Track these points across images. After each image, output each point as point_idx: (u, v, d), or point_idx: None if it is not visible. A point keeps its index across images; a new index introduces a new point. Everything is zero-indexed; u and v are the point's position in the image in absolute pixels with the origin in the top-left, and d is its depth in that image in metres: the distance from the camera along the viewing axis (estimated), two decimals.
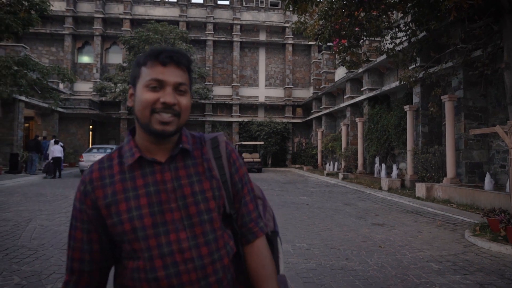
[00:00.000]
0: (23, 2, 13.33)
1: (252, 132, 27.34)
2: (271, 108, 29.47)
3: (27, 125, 22.19)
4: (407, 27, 9.64)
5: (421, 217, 7.64)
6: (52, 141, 17.08)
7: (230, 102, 28.54)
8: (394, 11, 10.60)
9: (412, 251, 4.99)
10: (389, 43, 10.50)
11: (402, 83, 10.29)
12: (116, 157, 1.06)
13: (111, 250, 1.05)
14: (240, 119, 28.05)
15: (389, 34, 10.39)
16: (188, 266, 0.97)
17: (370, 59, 13.59)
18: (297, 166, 26.47)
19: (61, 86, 23.61)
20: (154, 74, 0.99)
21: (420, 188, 10.32)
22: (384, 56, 13.37)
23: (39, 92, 16.84)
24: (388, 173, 14.17)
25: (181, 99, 1.01)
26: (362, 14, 9.51)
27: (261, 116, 29.05)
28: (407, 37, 9.74)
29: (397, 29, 9.95)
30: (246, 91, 29.44)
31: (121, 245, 1.01)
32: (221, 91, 29.06)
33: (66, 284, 1.03)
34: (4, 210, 7.70)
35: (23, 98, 17.39)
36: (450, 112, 10.21)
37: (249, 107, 29.21)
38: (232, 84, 28.97)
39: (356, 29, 10.01)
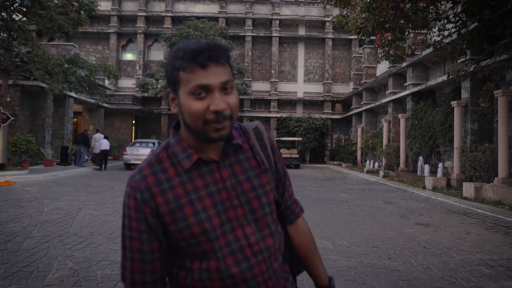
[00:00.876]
0: (74, 3, 14.03)
1: (290, 128, 27.19)
2: (309, 103, 29.14)
3: (75, 120, 23.41)
4: (457, 18, 9.15)
5: (469, 218, 7.27)
6: (97, 135, 18.14)
7: (268, 98, 28.54)
8: (443, 2, 10.08)
9: (460, 254, 4.75)
10: (436, 36, 10.01)
11: (450, 77, 9.80)
12: (166, 159, 1.00)
13: (170, 255, 1.03)
14: (278, 115, 27.99)
15: (437, 26, 9.90)
16: (258, 258, 0.99)
17: (415, 53, 13.06)
18: (335, 162, 26.05)
19: (106, 82, 24.67)
20: (197, 80, 0.91)
21: (468, 188, 9.81)
22: (429, 50, 12.78)
23: (87, 88, 17.70)
24: (433, 172, 13.59)
25: (229, 99, 0.94)
26: (408, 5, 9.14)
27: (299, 112, 28.81)
28: (457, 28, 9.24)
29: (445, 21, 9.47)
30: (285, 87, 29.30)
31: (186, 249, 0.98)
32: (259, 87, 29.12)
33: None
34: (57, 199, 8.19)
35: (72, 94, 18.35)
36: (503, 108, 9.60)
37: (287, 103, 29.06)
38: (271, 80, 28.93)
39: (401, 21, 9.64)
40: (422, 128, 15.00)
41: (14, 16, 13.58)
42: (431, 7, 9.26)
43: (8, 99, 13.89)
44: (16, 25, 13.19)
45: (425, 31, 13.31)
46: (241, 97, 27.13)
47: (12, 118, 13.17)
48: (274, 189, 1.08)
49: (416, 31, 10.55)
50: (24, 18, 13.69)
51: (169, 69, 0.96)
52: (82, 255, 4.29)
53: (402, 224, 6.56)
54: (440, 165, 12.55)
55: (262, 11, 29.36)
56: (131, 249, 0.98)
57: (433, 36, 10.43)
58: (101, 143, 17.27)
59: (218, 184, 0.99)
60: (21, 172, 12.63)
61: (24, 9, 13.23)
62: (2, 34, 13.28)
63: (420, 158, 14.66)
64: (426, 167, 13.05)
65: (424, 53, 14.34)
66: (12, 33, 13.25)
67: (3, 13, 13.08)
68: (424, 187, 12.00)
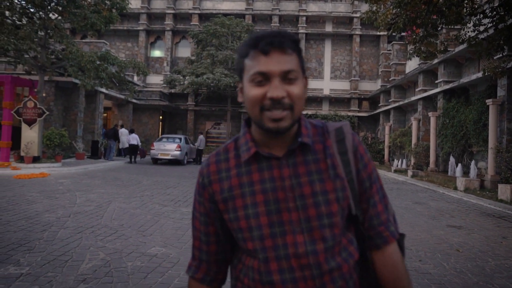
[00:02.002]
0: (106, 1, 14.40)
1: None
2: (336, 101, 28.77)
3: (105, 115, 24.08)
4: (494, 12, 8.75)
5: (505, 222, 6.98)
6: (122, 130, 18.82)
7: None
8: None
9: (495, 258, 4.57)
10: (471, 31, 9.63)
11: (485, 74, 9.41)
12: (232, 149, 1.01)
13: (229, 243, 1.04)
14: (304, 112, 27.71)
15: (472, 21, 9.51)
16: (305, 273, 0.91)
17: (448, 49, 12.61)
18: None
19: (135, 78, 25.22)
20: (257, 67, 0.89)
21: (504, 190, 9.41)
22: (463, 46, 12.32)
23: (117, 84, 18.16)
24: (465, 172, 13.13)
25: (291, 89, 0.89)
26: (441, 0, 8.82)
27: (325, 109, 28.51)
28: (494, 23, 8.84)
29: (481, 15, 9.08)
30: (311, 84, 29.03)
31: (238, 242, 0.99)
32: None
33: (189, 267, 1.07)
34: (89, 192, 8.46)
35: (103, 90, 18.87)
36: None
37: (313, 100, 28.80)
38: None
39: (434, 16, 9.32)
40: (454, 127, 14.51)
41: (50, 15, 14.09)
42: (466, 1, 8.90)
43: (44, 95, 14.44)
44: (52, 24, 13.68)
45: (458, 27, 12.83)
46: None
47: (47, 112, 13.68)
48: (342, 200, 0.94)
49: (450, 26, 10.18)
50: (60, 17, 14.17)
51: (237, 58, 0.98)
52: (113, 247, 4.41)
53: (432, 225, 6.38)
54: (472, 165, 12.11)
55: (289, 7, 29.17)
56: (193, 226, 1.05)
57: (468, 32, 10.04)
58: (130, 137, 17.95)
59: (275, 182, 0.93)
60: (54, 164, 13.12)
61: (60, 8, 13.69)
62: (39, 32, 13.79)
63: (452, 158, 14.19)
64: (458, 167, 12.63)
65: (457, 49, 13.84)
66: (48, 31, 13.75)
67: (40, 12, 13.58)
68: (455, 188, 11.61)
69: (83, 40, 20.79)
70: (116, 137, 18.15)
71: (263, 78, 0.89)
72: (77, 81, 15.07)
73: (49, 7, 13.50)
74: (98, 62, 14.44)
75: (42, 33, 13.79)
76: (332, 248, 0.93)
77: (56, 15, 14.14)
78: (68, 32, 22.14)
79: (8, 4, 12.69)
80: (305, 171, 0.94)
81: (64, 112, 17.78)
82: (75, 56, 13.48)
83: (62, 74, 16.36)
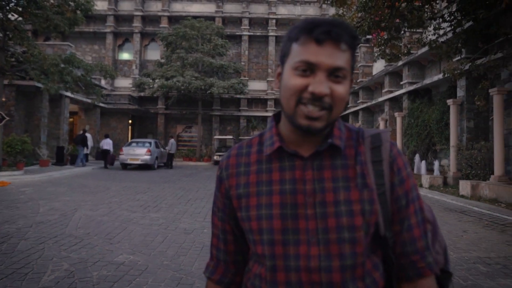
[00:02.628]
0: (70, 3, 13.97)
1: None
2: None
3: (71, 120, 23.32)
4: (452, 17, 9.17)
5: (466, 216, 7.29)
6: (88, 134, 18.41)
7: (265, 97, 28.55)
8: (438, 1, 10.12)
9: (457, 252, 4.77)
10: (431, 34, 10.04)
11: (445, 76, 9.83)
12: (256, 144, 0.93)
13: (247, 244, 0.94)
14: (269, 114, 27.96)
15: (432, 25, 9.93)
16: None
17: (411, 52, 13.09)
18: None
19: (102, 82, 24.59)
20: (305, 55, 0.79)
21: (465, 186, 9.85)
22: (425, 48, 12.82)
23: (83, 88, 17.64)
24: (429, 170, 13.64)
25: (336, 88, 0.80)
26: (404, 4, 9.16)
27: None
28: (452, 27, 9.27)
29: (441, 20, 9.50)
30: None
31: (249, 244, 0.90)
32: (256, 86, 29.12)
33: (207, 268, 1.00)
34: (53, 200, 8.15)
35: (68, 94, 18.28)
36: (499, 106, 9.64)
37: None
38: (267, 79, 28.94)
39: (397, 20, 9.66)
40: (419, 126, 15.05)
41: (10, 15, 13.50)
42: (427, 6, 9.29)
43: (4, 99, 13.82)
44: (12, 25, 13.12)
45: (420, 30, 13.36)
46: (237, 96, 27.14)
47: (8, 118, 13.09)
48: (369, 214, 0.83)
49: (412, 30, 10.59)
50: (20, 18, 13.61)
51: (284, 39, 0.87)
52: (78, 256, 4.27)
53: None
54: (436, 163, 12.60)
55: (259, 10, 29.35)
56: (213, 223, 0.99)
57: (429, 35, 10.48)
58: (103, 142, 18.17)
59: (296, 184, 0.84)
60: (16, 172, 12.56)
61: (20, 9, 13.15)
62: None
63: (417, 156, 14.71)
64: (423, 165, 13.10)
65: (420, 51, 14.39)
66: (7, 32, 13.17)
67: None
68: (421, 185, 12.04)
69: (46, 43, 20.04)
70: (84, 142, 17.58)
71: (308, 69, 0.79)
72: (39, 85, 14.53)
73: (7, 8, 12.94)
74: (62, 65, 13.97)
75: (1, 35, 13.20)
76: (352, 269, 0.81)
77: (16, 16, 13.57)
78: (30, 34, 21.32)
79: None
80: (331, 176, 0.84)
81: (26, 117, 17.08)
82: (37, 58, 12.99)
83: (24, 78, 15.72)
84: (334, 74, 0.79)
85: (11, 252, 4.35)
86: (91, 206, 7.49)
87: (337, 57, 0.79)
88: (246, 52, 28.97)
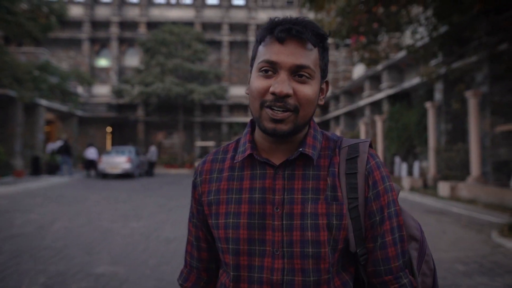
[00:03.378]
0: (43, 8, 13.63)
1: None
2: None
3: (48, 129, 22.68)
4: (428, 21, 9.39)
5: (445, 217, 7.42)
6: (65, 142, 17.93)
7: (246, 103, 28.53)
8: (414, 5, 10.36)
9: (436, 252, 4.82)
10: (409, 39, 10.26)
11: (423, 79, 10.04)
12: (231, 150, 0.90)
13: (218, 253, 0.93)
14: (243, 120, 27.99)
15: (409, 30, 10.15)
16: None
17: (390, 56, 13.34)
18: None
19: (79, 89, 24.08)
20: (267, 55, 0.77)
21: (444, 187, 10.04)
22: (404, 52, 13.10)
23: (60, 96, 17.20)
24: (410, 172, 13.87)
25: (300, 88, 0.77)
26: (381, 9, 9.32)
27: None
28: (428, 32, 9.49)
29: (417, 24, 9.70)
30: None
31: (219, 252, 0.88)
32: (237, 92, 29.08)
33: (180, 274, 0.98)
34: (29, 212, 7.85)
35: (43, 102, 17.78)
36: (474, 108, 9.90)
37: None
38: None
39: (375, 25, 9.81)
40: (399, 129, 15.32)
41: None
42: (403, 11, 9.48)
43: None
44: None
45: (398, 35, 13.66)
46: (219, 102, 27.02)
47: None
48: (337, 229, 0.78)
49: (390, 34, 10.78)
50: None
51: (254, 43, 0.85)
52: (56, 269, 4.09)
53: None
54: (416, 165, 12.83)
55: (239, 15, 29.43)
56: (188, 229, 0.97)
57: (406, 39, 10.70)
58: (88, 152, 18.07)
59: (266, 193, 0.81)
60: None
61: None
62: None
63: (397, 159, 14.95)
64: (403, 168, 13.32)
65: (398, 56, 14.69)
66: None
67: None
68: (401, 188, 12.21)
69: (20, 49, 19.47)
70: (69, 151, 17.20)
71: (271, 69, 0.77)
72: (13, 93, 14.06)
73: None
74: (37, 73, 13.58)
75: None
76: (315, 285, 0.77)
77: None
78: (1, 40, 20.70)
79: None
80: (301, 187, 0.81)
81: None
82: (10, 66, 12.58)
83: None
84: (297, 73, 0.77)
85: None
86: (69, 217, 7.25)
87: (300, 56, 0.77)
88: (227, 58, 28.94)
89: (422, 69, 13.11)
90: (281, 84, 0.75)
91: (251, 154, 0.84)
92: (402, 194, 10.98)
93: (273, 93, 0.76)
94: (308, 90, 0.78)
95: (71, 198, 10.10)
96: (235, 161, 0.87)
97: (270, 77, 0.77)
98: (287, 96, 0.76)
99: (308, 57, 0.78)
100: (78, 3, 28.07)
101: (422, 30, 10.30)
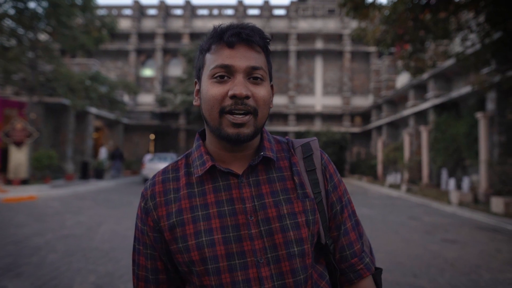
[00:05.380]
0: (96, 22, 14.47)
1: None
2: (328, 117, 28.96)
3: (96, 136, 23.87)
4: (480, 27, 8.96)
5: (499, 235, 6.94)
6: (117, 148, 19.81)
7: (286, 112, 28.52)
8: (465, 11, 9.93)
9: (490, 272, 4.51)
10: (458, 46, 9.83)
11: (474, 88, 9.55)
12: (183, 167, 0.86)
13: (179, 281, 0.87)
14: (296, 129, 27.88)
15: (459, 36, 9.72)
16: None
17: (437, 64, 12.84)
18: (355, 176, 25.65)
19: (125, 98, 25.20)
20: (219, 60, 0.77)
21: (497, 203, 9.42)
22: (452, 60, 12.55)
23: (108, 104, 18.11)
24: (458, 186, 13.17)
25: (256, 90, 0.78)
26: (428, 16, 9.01)
27: (318, 126, 28.64)
28: (480, 38, 9.04)
29: (468, 31, 9.28)
30: (302, 100, 29.26)
31: (190, 278, 0.81)
32: (276, 101, 29.17)
33: None
34: (79, 214, 8.26)
35: (93, 110, 18.77)
36: None
37: (305, 116, 28.97)
38: (288, 93, 28.96)
39: (421, 32, 9.50)
40: (446, 140, 14.63)
41: (40, 36, 14.08)
42: (453, 18, 9.11)
43: (33, 116, 14.29)
44: (42, 45, 13.66)
45: (446, 42, 13.13)
46: None
47: (37, 134, 13.49)
48: (313, 224, 0.81)
49: (437, 42, 10.39)
50: (49, 38, 14.17)
51: (197, 54, 0.85)
52: (105, 270, 4.26)
53: (427, 240, 6.32)
54: (465, 179, 12.16)
55: (279, 25, 29.63)
56: (137, 264, 0.86)
57: (455, 47, 10.26)
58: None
59: (235, 204, 0.79)
60: (43, 186, 12.86)
61: (50, 30, 13.69)
62: (28, 53, 13.75)
63: (444, 171, 14.25)
64: (451, 181, 12.67)
65: (446, 64, 14.10)
66: (37, 52, 13.71)
67: (30, 33, 13.58)
68: (449, 202, 11.62)
69: (74, 61, 20.76)
70: (121, 157, 19.23)
71: (226, 73, 0.77)
72: (67, 101, 14.98)
73: (38, 28, 13.50)
74: (88, 83, 14.40)
75: (31, 54, 13.74)
76: (305, 282, 0.78)
77: (46, 36, 14.14)
78: (58, 52, 22.18)
79: None
80: (270, 190, 0.81)
81: (53, 133, 17.58)
82: (65, 76, 13.42)
83: (52, 95, 16.27)
84: (252, 75, 0.78)
85: (40, 264, 4.39)
86: (115, 221, 7.54)
87: (252, 58, 0.78)
88: None
89: (472, 77, 12.49)
90: (240, 86, 0.75)
91: (213, 165, 0.81)
92: (450, 209, 10.43)
93: (233, 96, 0.75)
94: (263, 91, 0.79)
95: (117, 202, 10.52)
96: (195, 175, 0.82)
97: (225, 83, 0.77)
98: (247, 97, 0.76)
99: (259, 59, 0.80)
100: (126, 16, 29.54)
101: (473, 37, 9.83)
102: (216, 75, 0.78)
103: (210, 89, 0.78)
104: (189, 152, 0.90)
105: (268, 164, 0.84)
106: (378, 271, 0.93)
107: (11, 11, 12.66)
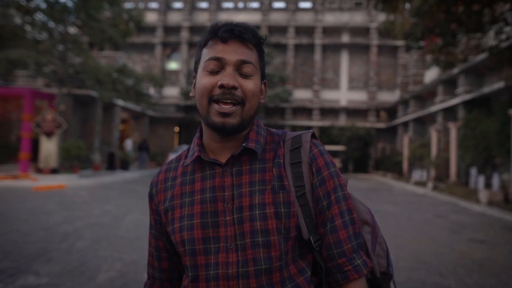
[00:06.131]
0: (123, 15, 14.73)
1: (332, 137, 26.69)
2: (353, 112, 28.49)
3: (122, 127, 24.42)
4: None
5: None
6: (128, 140, 20.42)
7: (310, 106, 28.26)
8: (500, 3, 9.51)
9: None
10: (492, 40, 9.42)
11: (508, 84, 9.16)
12: (184, 157, 0.94)
13: (180, 261, 0.95)
14: (320, 123, 27.60)
15: (493, 29, 9.32)
16: None
17: (468, 58, 12.38)
18: (380, 173, 25.22)
19: (151, 90, 25.61)
20: (212, 53, 0.83)
21: None
22: (485, 54, 12.06)
23: (134, 96, 18.48)
24: (487, 185, 12.72)
25: (245, 83, 0.83)
26: (461, 8, 8.67)
27: (342, 121, 28.25)
28: None
29: (503, 23, 8.88)
30: (327, 95, 28.89)
31: (181, 258, 0.89)
32: (301, 95, 28.92)
33: (144, 286, 1.00)
34: (106, 203, 8.51)
35: (120, 102, 19.19)
36: None
37: (329, 111, 28.62)
38: (313, 88, 28.67)
39: (453, 25, 9.16)
40: (476, 138, 14.12)
41: (69, 29, 14.47)
42: (487, 10, 8.73)
43: (63, 108, 14.75)
44: (71, 38, 14.04)
45: (479, 35, 12.62)
46: (282, 105, 27.07)
47: (66, 124, 13.94)
48: (285, 217, 0.81)
49: (470, 35, 10.00)
50: (78, 31, 14.54)
51: (197, 49, 0.91)
52: (130, 258, 4.37)
53: (454, 239, 6.15)
54: (496, 177, 11.73)
55: (305, 18, 29.28)
56: (149, 241, 0.98)
57: (489, 40, 9.85)
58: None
59: (216, 192, 0.84)
60: (72, 176, 13.30)
61: (80, 23, 14.05)
62: (58, 46, 14.17)
63: (473, 169, 13.79)
64: (480, 180, 12.26)
65: (478, 58, 13.57)
66: (67, 45, 14.11)
67: (60, 27, 13.98)
68: (478, 201, 11.25)
69: (101, 53, 21.25)
70: (147, 149, 19.73)
71: (217, 66, 0.83)
72: (94, 93, 15.36)
73: (68, 22, 13.87)
74: (115, 75, 14.70)
75: (61, 47, 14.15)
76: (267, 273, 0.79)
77: (75, 29, 14.51)
78: (86, 45, 22.74)
79: (31, 19, 13.10)
80: (249, 181, 0.84)
81: (81, 124, 18.10)
82: (93, 69, 13.75)
83: (80, 87, 16.73)
84: (241, 69, 0.83)
85: (69, 251, 4.56)
86: (140, 211, 7.71)
87: (243, 53, 0.83)
88: (292, 61, 28.92)
89: (506, 72, 11.97)
90: (228, 77, 0.81)
91: (199, 157, 0.87)
92: (479, 208, 10.10)
93: (221, 86, 0.80)
94: (251, 84, 0.83)
95: (142, 193, 10.75)
96: (184, 165, 0.90)
97: (216, 74, 0.83)
98: (234, 88, 0.81)
99: (250, 55, 0.85)
100: (153, 9, 29.92)
101: (508, 30, 9.40)
102: (208, 67, 0.83)
103: (202, 80, 0.84)
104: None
105: (252, 155, 0.87)
106: (386, 277, 0.90)
107: (43, 5, 13.06)
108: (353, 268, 0.82)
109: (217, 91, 0.81)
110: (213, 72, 0.83)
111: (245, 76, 0.84)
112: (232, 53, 0.83)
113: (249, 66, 0.84)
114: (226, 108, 0.81)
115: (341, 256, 0.82)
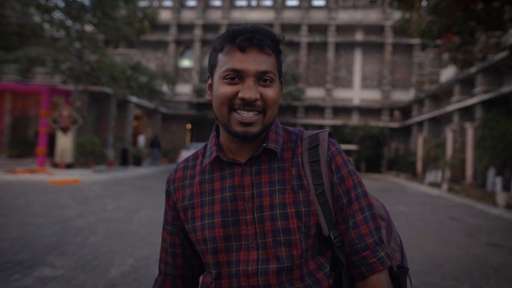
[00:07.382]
0: (138, 13, 14.86)
1: (345, 136, 26.47)
2: (366, 111, 28.20)
3: (135, 124, 24.66)
4: None
5: None
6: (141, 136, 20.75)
7: (322, 105, 28.08)
8: None
9: None
10: None
11: None
12: (201, 156, 0.95)
13: (197, 258, 0.97)
14: (333, 122, 27.39)
15: None
16: None
17: (487, 57, 12.12)
18: (393, 173, 24.92)
19: (164, 88, 25.79)
20: (231, 63, 0.82)
21: None
22: (505, 53, 11.77)
23: (147, 93, 18.63)
24: (506, 187, 12.43)
25: (265, 91, 0.83)
26: (480, 6, 8.47)
27: (355, 119, 27.99)
28: None
29: None
30: (340, 93, 28.65)
31: (200, 255, 0.91)
32: (313, 93, 28.75)
33: (155, 282, 1.00)
34: (119, 199, 8.60)
35: (133, 99, 19.37)
36: None
37: (342, 110, 28.38)
38: (325, 86, 28.46)
39: (471, 23, 8.97)
40: (494, 138, 13.81)
41: (86, 27, 14.66)
42: (507, 7, 8.51)
43: (79, 104, 14.96)
44: (87, 35, 14.22)
45: (498, 33, 12.32)
46: (295, 103, 26.97)
47: (82, 121, 14.14)
48: (306, 215, 0.83)
49: (489, 33, 9.77)
50: (94, 29, 14.72)
51: (211, 51, 0.90)
52: (142, 253, 4.40)
53: (469, 243, 6.02)
54: None
55: (318, 16, 29.06)
56: (162, 238, 0.99)
57: (509, 38, 9.60)
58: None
59: (236, 191, 0.85)
60: (86, 171, 13.49)
61: (96, 21, 14.22)
62: (75, 44, 14.37)
63: (491, 171, 13.50)
64: (498, 182, 11.99)
65: (497, 57, 13.26)
66: (83, 43, 14.29)
67: (77, 25, 14.17)
68: (495, 204, 11.01)
69: (116, 51, 21.47)
70: (159, 145, 20.03)
71: (236, 76, 0.82)
72: (109, 90, 15.54)
73: (85, 20, 14.05)
74: (129, 72, 14.84)
75: (78, 45, 14.34)
76: (289, 270, 0.82)
77: (91, 27, 14.69)
78: (102, 43, 23.01)
79: (49, 17, 13.32)
80: (268, 180, 0.86)
81: (96, 120, 18.33)
82: (108, 66, 13.91)
83: (96, 84, 16.93)
84: (262, 78, 0.82)
85: (83, 245, 4.62)
86: (152, 207, 7.77)
87: (262, 62, 0.82)
88: (305, 59, 28.76)
89: None
90: (249, 90, 0.80)
91: (218, 156, 0.88)
92: (496, 211, 9.88)
93: (242, 99, 0.80)
94: (272, 92, 0.83)
95: (154, 189, 10.84)
96: (203, 165, 0.90)
97: (236, 84, 0.82)
98: (255, 100, 0.81)
99: (269, 62, 0.84)
100: (166, 7, 30.10)
101: None
102: (227, 77, 0.83)
103: (220, 88, 0.83)
104: (208, 142, 0.98)
105: (271, 155, 0.88)
106: (403, 270, 0.92)
107: (61, 4, 13.26)
108: (378, 260, 0.84)
109: (238, 101, 0.82)
110: (233, 82, 0.83)
111: (265, 85, 0.84)
112: (252, 63, 0.82)
113: (268, 75, 0.83)
114: (248, 118, 0.82)
115: (365, 250, 0.84)
